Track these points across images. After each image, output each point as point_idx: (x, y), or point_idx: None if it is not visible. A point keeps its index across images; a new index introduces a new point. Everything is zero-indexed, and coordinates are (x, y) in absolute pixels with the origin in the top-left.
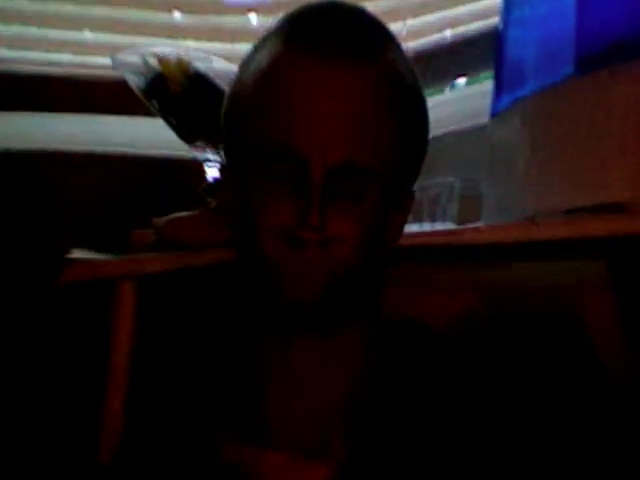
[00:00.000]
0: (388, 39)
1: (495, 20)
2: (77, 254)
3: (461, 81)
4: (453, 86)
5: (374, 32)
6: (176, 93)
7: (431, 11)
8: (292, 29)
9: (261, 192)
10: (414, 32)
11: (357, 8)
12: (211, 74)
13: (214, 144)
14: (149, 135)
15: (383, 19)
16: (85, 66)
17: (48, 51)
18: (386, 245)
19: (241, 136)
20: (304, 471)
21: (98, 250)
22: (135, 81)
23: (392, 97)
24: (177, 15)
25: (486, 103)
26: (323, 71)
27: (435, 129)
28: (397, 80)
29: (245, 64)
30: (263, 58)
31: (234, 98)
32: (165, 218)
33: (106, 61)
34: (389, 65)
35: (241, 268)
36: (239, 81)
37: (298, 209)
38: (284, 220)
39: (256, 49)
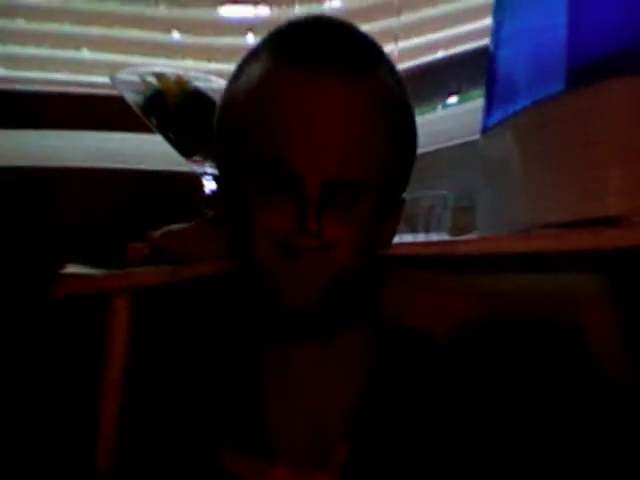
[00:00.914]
0: (378, 52)
1: (485, 41)
2: (71, 269)
3: (453, 99)
4: (445, 104)
5: (364, 46)
6: (174, 109)
7: (422, 33)
8: (284, 43)
9: (256, 201)
10: (406, 53)
11: (346, 23)
12: (210, 93)
13: (212, 158)
14: (146, 150)
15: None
16: (83, 84)
17: (46, 70)
18: (379, 250)
19: (235, 148)
20: None
21: (95, 264)
22: (134, 99)
23: (383, 110)
24: (176, 35)
25: (478, 119)
26: (315, 86)
27: (429, 145)
28: (388, 93)
29: (236, 76)
30: (255, 72)
31: (226, 110)
32: (160, 230)
33: (104, 79)
34: (380, 79)
35: (238, 276)
36: (230, 93)
37: (294, 216)
38: (280, 227)
39: (247, 62)
